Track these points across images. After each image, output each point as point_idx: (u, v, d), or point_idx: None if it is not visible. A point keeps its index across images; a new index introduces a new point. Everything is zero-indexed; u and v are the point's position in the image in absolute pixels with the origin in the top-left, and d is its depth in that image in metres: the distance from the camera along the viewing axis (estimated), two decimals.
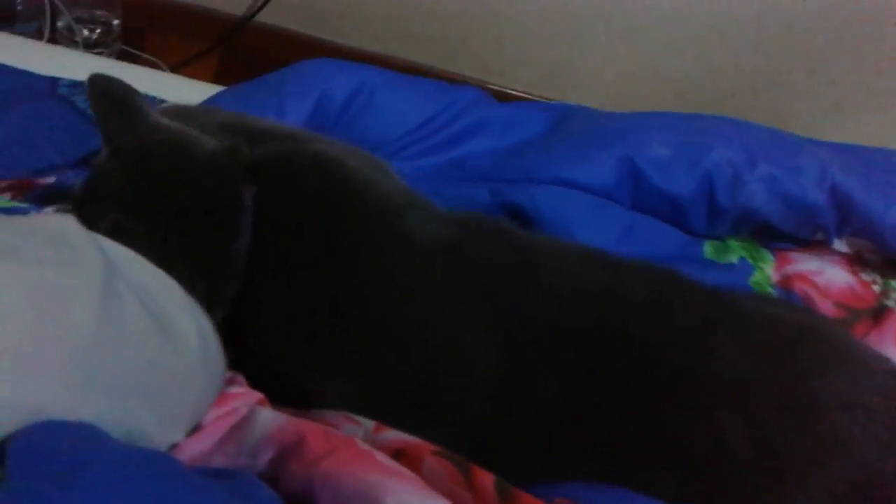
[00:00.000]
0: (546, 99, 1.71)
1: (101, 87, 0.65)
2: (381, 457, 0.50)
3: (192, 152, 0.65)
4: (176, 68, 1.54)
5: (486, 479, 0.51)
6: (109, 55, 1.50)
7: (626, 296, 0.65)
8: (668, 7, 1.47)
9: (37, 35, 1.37)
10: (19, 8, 1.35)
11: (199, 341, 0.55)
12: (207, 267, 0.62)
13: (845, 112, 1.51)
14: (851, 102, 1.50)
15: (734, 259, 0.87)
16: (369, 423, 0.57)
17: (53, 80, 0.96)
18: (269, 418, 0.55)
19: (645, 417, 0.58)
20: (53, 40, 1.42)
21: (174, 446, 0.52)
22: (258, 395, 0.60)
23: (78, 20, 1.45)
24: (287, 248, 0.63)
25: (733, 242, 0.89)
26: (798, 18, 1.43)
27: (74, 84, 0.95)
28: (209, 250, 0.63)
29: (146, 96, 0.94)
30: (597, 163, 0.85)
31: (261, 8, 1.51)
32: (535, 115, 0.91)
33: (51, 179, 0.83)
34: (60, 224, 0.52)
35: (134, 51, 1.54)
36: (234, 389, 0.60)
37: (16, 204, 0.74)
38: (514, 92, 1.70)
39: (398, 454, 0.53)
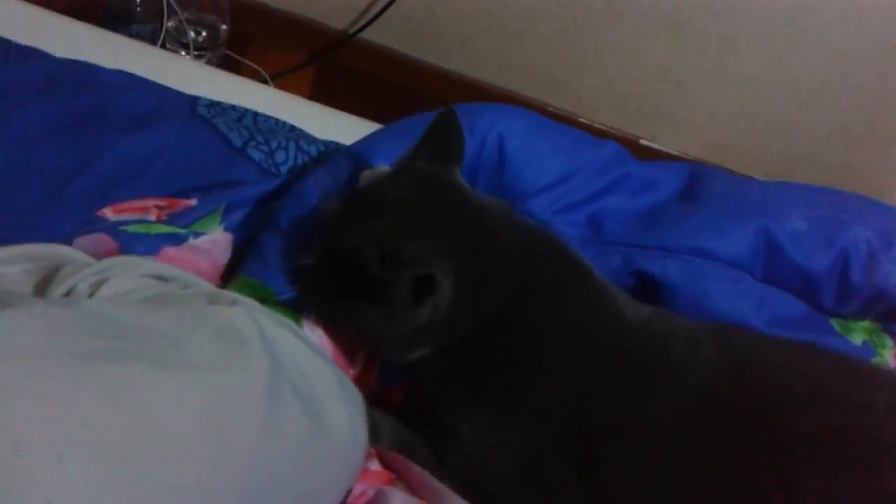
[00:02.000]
0: (634, 136, 1.71)
1: (444, 121, 0.72)
2: None
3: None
4: (276, 77, 1.56)
5: None
6: (212, 59, 1.52)
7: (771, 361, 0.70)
8: (779, 65, 1.46)
9: (151, 37, 1.38)
10: (138, 9, 1.36)
11: (350, 434, 0.57)
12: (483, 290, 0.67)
13: None
14: None
15: (858, 341, 0.87)
16: None
17: (193, 99, 0.95)
18: None
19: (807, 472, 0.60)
20: (162, 42, 1.44)
21: None
22: (387, 475, 0.65)
23: (187, 21, 1.47)
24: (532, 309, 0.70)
25: (856, 324, 0.88)
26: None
27: (213, 104, 0.96)
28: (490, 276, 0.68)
29: (243, 109, 0.95)
30: (735, 235, 0.84)
31: (368, 24, 1.52)
32: (670, 176, 0.90)
33: (193, 202, 0.84)
34: (229, 315, 0.52)
35: (237, 56, 1.55)
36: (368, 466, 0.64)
37: (173, 230, 0.75)
38: (602, 127, 1.70)
39: None
